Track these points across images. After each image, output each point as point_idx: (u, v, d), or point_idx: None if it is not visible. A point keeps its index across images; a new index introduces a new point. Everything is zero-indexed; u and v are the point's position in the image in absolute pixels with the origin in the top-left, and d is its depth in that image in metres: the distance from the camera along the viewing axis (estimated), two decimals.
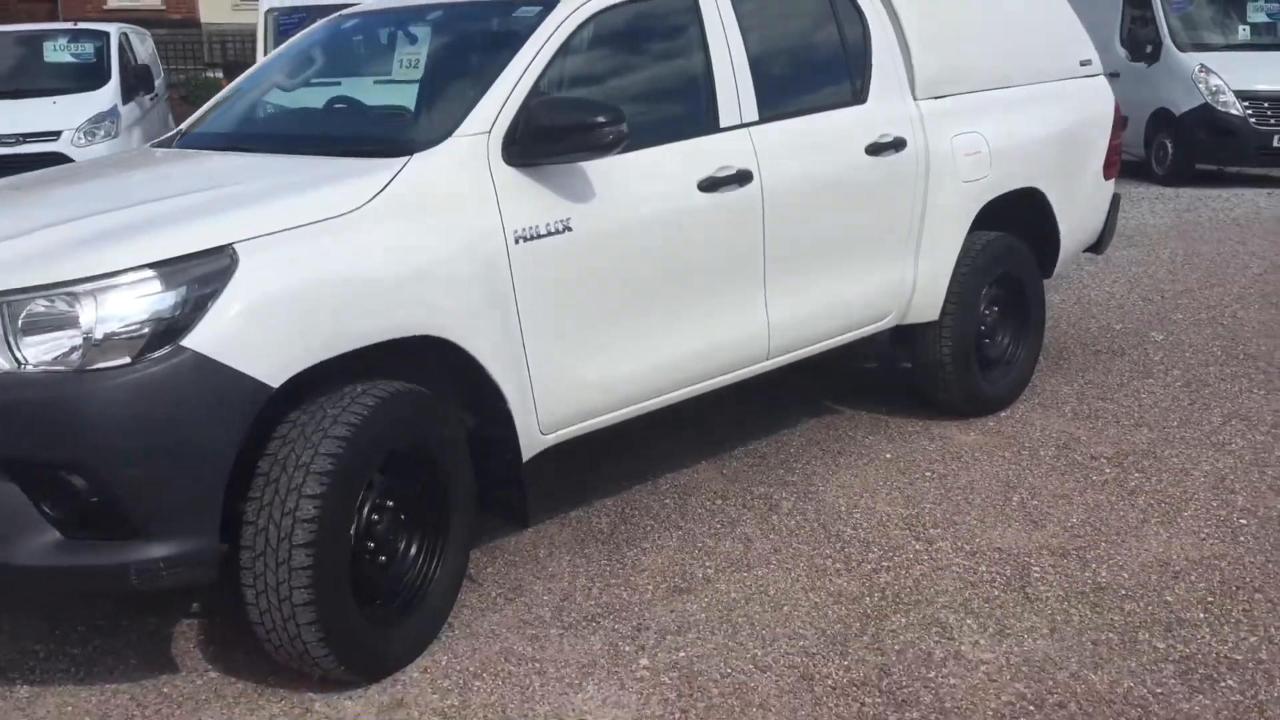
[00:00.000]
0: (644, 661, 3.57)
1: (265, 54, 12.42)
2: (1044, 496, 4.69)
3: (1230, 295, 8.05)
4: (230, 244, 3.12)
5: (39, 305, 2.99)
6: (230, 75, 12.55)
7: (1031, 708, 3.27)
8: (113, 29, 13.40)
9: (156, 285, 3.02)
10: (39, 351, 3.00)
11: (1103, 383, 6.11)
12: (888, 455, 5.19)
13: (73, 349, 2.98)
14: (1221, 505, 4.56)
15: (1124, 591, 3.90)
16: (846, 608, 3.86)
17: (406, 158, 3.59)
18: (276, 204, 3.31)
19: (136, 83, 13.24)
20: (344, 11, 4.93)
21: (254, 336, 3.09)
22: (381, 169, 3.53)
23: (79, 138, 12.05)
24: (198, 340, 3.02)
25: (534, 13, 4.05)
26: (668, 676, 3.48)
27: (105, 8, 26.15)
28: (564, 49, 3.97)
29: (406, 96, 4.59)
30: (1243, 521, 4.41)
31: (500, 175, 3.69)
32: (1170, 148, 14.08)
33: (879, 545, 4.31)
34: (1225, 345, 6.77)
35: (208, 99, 15.38)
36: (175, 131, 4.73)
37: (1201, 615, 3.74)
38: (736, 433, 5.44)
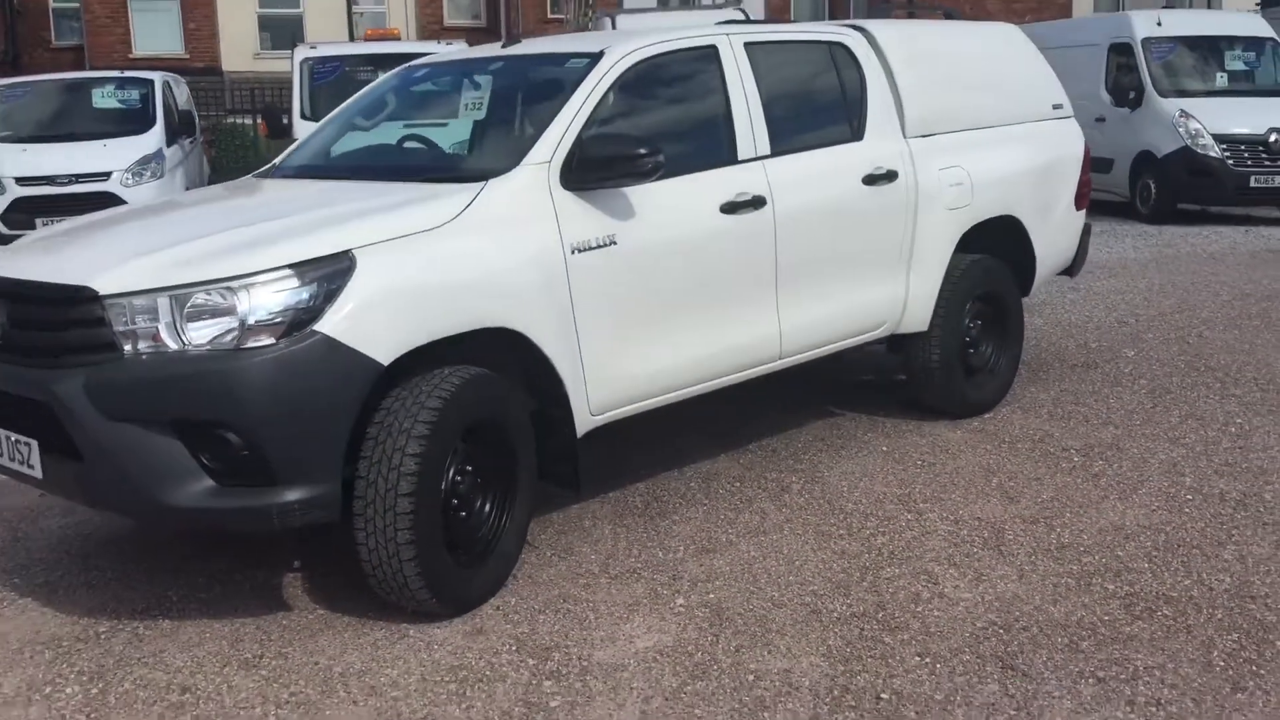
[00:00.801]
0: (680, 601, 4.28)
1: (301, 99, 13.26)
2: (1019, 479, 5.42)
3: (1199, 319, 8.80)
4: (349, 249, 3.87)
5: (201, 297, 3.73)
6: (266, 120, 13.35)
7: (1000, 630, 3.98)
8: (157, 77, 14.24)
9: (294, 281, 3.77)
10: (201, 334, 3.74)
11: (1077, 390, 6.84)
12: (884, 448, 5.92)
13: (228, 332, 3.73)
14: (1171, 485, 5.28)
15: (1083, 548, 4.62)
16: (849, 562, 4.57)
17: (483, 183, 4.35)
18: (383, 218, 4.07)
19: (179, 127, 14.07)
20: (415, 62, 5.72)
21: (370, 323, 3.83)
22: (463, 192, 4.29)
23: (127, 178, 12.87)
24: (326, 326, 3.76)
25: (583, 64, 4.84)
26: (700, 612, 4.19)
27: (131, 56, 27.10)
28: (609, 93, 4.74)
29: (437, 137, 5.39)
30: (1188, 497, 5.13)
31: (559, 198, 4.45)
32: (1153, 188, 14.87)
33: (876, 516, 5.03)
34: (1189, 360, 7.51)
35: (233, 143, 16.26)
36: (271, 165, 5.50)
37: (1146, 565, 4.46)
38: (751, 431, 6.17)
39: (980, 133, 6.28)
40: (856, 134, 5.73)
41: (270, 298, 3.74)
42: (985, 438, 6.03)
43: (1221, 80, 15.44)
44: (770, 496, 5.29)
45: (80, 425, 3.70)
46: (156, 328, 3.73)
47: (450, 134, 5.32)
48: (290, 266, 3.78)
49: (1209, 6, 29.07)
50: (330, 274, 3.81)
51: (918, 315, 5.99)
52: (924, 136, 5.99)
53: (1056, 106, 6.84)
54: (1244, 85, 15.52)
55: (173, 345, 3.74)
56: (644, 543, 4.82)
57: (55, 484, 3.98)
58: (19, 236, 12.98)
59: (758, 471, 5.61)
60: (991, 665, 3.75)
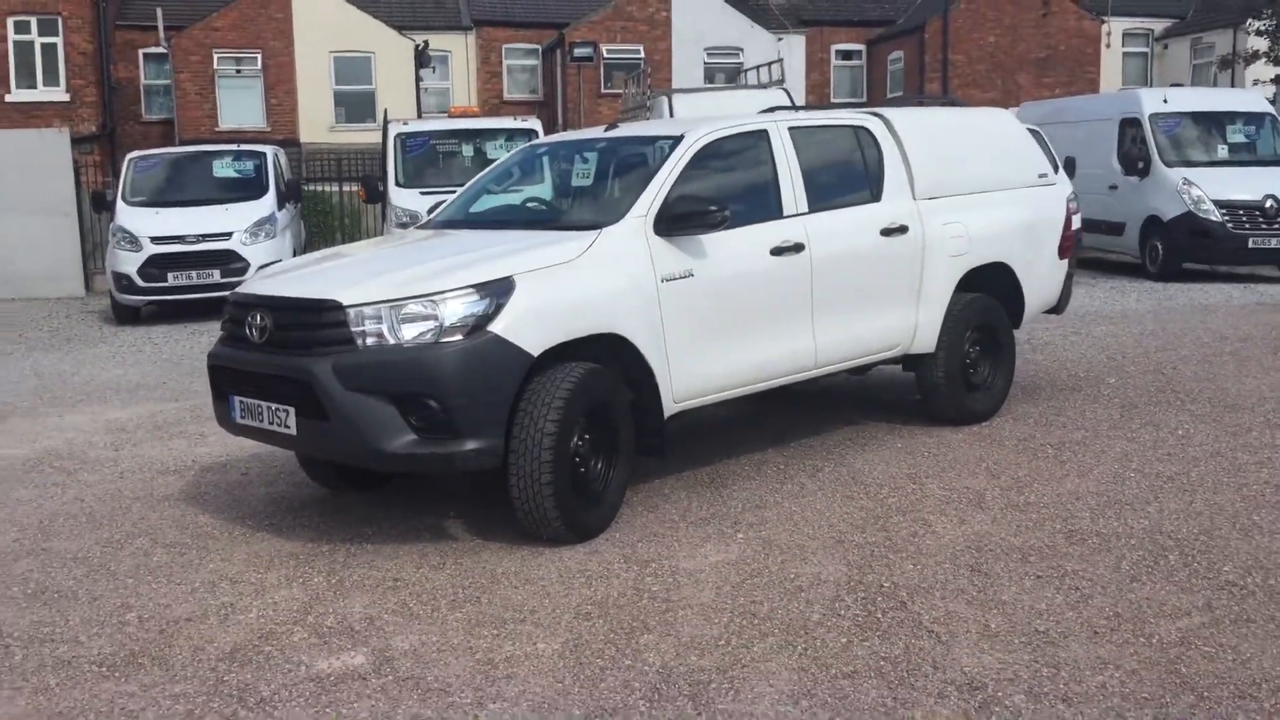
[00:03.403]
0: (740, 535, 5.85)
1: (394, 168, 15.05)
2: (1003, 465, 6.96)
3: (1178, 356, 10.29)
4: (511, 275, 5.52)
5: (412, 307, 5.38)
6: (365, 187, 15.12)
7: (974, 551, 5.51)
8: (269, 150, 16.13)
9: (475, 296, 5.42)
10: (410, 332, 5.38)
11: (1060, 407, 8.37)
12: (899, 444, 7.48)
13: (428, 331, 5.37)
14: (1121, 468, 6.81)
15: (1043, 505, 6.15)
16: (865, 514, 6.13)
17: (599, 231, 5.99)
18: (533, 254, 5.72)
19: (288, 193, 15.93)
20: (535, 142, 7.42)
21: (525, 326, 5.46)
22: (586, 237, 5.94)
23: (246, 238, 14.71)
24: (497, 327, 5.40)
25: (669, 143, 6.52)
26: (755, 542, 5.75)
27: (217, 129, 29.29)
28: (689, 164, 6.39)
29: (556, 197, 7.08)
30: (1131, 475, 6.65)
31: (652, 241, 6.08)
32: (1160, 249, 16.35)
33: (889, 486, 6.58)
34: (1160, 385, 9.02)
35: (315, 208, 18.36)
36: (426, 219, 7.20)
37: (1087, 514, 5.98)
38: (791, 434, 7.75)
39: (976, 196, 7.86)
40: (876, 196, 7.34)
41: (459, 307, 5.39)
42: (981, 438, 7.57)
43: (1223, 151, 16.94)
44: (807, 474, 6.86)
45: (329, 394, 5.34)
46: (381, 328, 5.38)
47: (566, 196, 7.00)
48: (473, 286, 5.44)
49: (1232, 84, 30.57)
50: (499, 291, 5.46)
51: (925, 339, 7.56)
52: (930, 199, 7.58)
53: (1041, 175, 8.42)
54: (1244, 156, 17.01)
55: (391, 340, 5.39)
56: (710, 502, 6.40)
57: (305, 439, 5.63)
58: (153, 288, 14.82)
59: (797, 459, 7.19)
60: (964, 569, 5.30)
